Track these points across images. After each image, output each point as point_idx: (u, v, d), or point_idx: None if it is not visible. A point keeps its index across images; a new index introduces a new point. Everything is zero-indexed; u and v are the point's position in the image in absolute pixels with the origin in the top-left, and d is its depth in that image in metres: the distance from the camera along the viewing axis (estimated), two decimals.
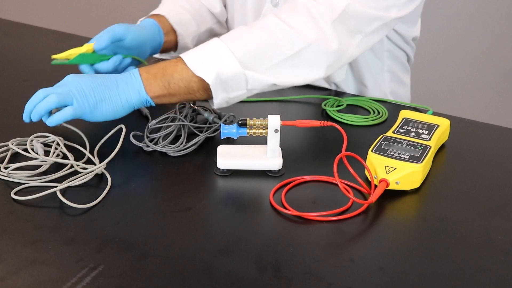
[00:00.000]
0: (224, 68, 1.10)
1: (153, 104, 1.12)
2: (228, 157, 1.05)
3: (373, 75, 1.41)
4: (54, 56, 1.18)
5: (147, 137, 1.11)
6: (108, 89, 1.09)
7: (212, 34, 1.50)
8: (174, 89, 1.11)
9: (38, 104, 1.07)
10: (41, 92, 1.08)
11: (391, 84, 1.44)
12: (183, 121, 1.14)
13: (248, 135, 1.06)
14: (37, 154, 1.04)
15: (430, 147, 1.06)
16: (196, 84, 1.11)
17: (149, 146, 1.09)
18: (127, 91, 1.10)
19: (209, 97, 1.13)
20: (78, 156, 1.07)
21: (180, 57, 1.12)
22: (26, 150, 1.05)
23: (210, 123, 1.16)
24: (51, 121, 1.08)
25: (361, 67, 1.39)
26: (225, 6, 1.49)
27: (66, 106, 1.07)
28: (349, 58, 1.18)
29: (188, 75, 1.11)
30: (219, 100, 1.12)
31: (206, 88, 1.11)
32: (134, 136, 1.11)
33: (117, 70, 1.24)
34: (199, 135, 1.13)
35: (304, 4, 1.14)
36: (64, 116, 1.07)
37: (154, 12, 1.38)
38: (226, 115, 1.17)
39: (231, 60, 1.10)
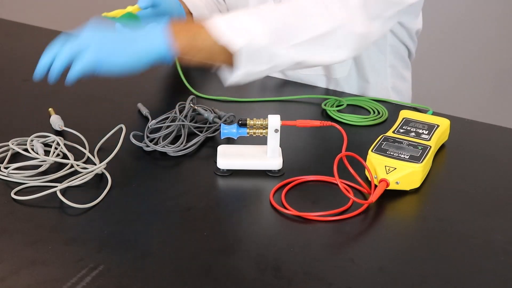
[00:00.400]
0: (251, 39, 1.05)
1: (172, 59, 1.05)
2: (228, 157, 1.05)
3: (376, 71, 1.41)
4: (104, 14, 1.18)
5: (147, 137, 1.11)
6: (127, 34, 1.06)
7: None
8: (200, 41, 1.05)
9: (56, 57, 1.02)
10: (56, 45, 1.03)
11: (393, 79, 1.45)
12: (183, 121, 1.14)
13: (248, 135, 1.06)
14: (37, 154, 1.04)
15: (430, 147, 1.06)
16: (219, 48, 1.05)
17: (149, 146, 1.09)
18: (149, 36, 1.04)
19: (229, 64, 1.07)
20: (78, 156, 1.07)
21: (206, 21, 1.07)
22: (26, 150, 1.05)
23: (210, 123, 1.16)
24: (70, 76, 1.02)
25: (364, 62, 1.39)
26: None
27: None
28: (369, 43, 1.18)
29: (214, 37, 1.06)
30: (241, 72, 1.07)
31: (229, 56, 1.06)
32: (134, 136, 1.11)
33: None
34: (199, 135, 1.13)
35: None
36: (82, 64, 1.00)
37: None
38: (226, 115, 1.17)
39: (260, 32, 1.06)
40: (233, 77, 1.08)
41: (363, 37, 1.13)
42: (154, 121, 1.14)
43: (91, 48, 1.01)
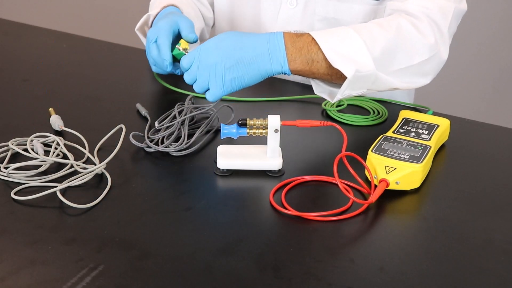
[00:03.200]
0: (362, 67, 1.09)
1: (289, 74, 1.13)
2: (228, 157, 1.05)
3: None
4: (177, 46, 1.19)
5: (148, 137, 1.11)
6: (247, 65, 1.09)
7: (202, 34, 1.48)
8: (315, 68, 1.11)
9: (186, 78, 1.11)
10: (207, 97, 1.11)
11: None
12: (183, 121, 1.14)
13: (248, 135, 1.06)
14: (37, 154, 1.04)
15: (430, 147, 1.06)
16: (329, 72, 1.12)
17: (151, 147, 1.09)
18: (268, 64, 1.09)
19: (331, 80, 1.13)
20: (78, 156, 1.07)
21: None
22: (26, 150, 1.05)
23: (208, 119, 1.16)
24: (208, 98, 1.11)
25: None
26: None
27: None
28: None
29: (325, 74, 1.12)
30: (340, 96, 1.11)
31: (334, 77, 1.12)
32: (134, 137, 1.11)
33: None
34: (198, 131, 1.12)
35: (421, 11, 1.16)
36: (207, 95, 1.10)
37: (166, 3, 1.33)
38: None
39: (368, 59, 1.10)
40: (335, 98, 1.13)
41: (444, 61, 1.18)
42: (156, 122, 1.13)
43: (217, 76, 1.08)
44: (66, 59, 1.49)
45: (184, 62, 1.11)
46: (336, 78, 1.12)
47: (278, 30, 1.37)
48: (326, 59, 1.10)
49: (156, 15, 1.32)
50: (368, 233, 0.94)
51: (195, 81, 1.11)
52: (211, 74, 1.08)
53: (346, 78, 1.08)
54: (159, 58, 1.17)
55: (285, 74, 1.12)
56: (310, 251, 0.89)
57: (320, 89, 1.16)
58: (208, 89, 1.10)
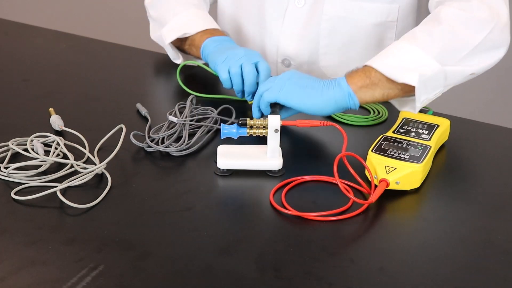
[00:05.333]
0: (425, 70, 1.09)
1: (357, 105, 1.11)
2: (228, 157, 1.05)
3: None
4: None
5: (149, 137, 1.11)
6: (319, 98, 1.10)
7: None
8: (386, 96, 1.12)
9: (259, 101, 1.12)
10: (265, 99, 1.10)
11: None
12: (183, 121, 1.14)
13: (248, 135, 1.06)
14: (37, 154, 1.04)
15: (430, 147, 1.06)
16: (394, 90, 1.11)
17: (151, 147, 1.09)
18: (338, 100, 1.10)
19: (405, 94, 1.13)
20: (78, 156, 1.07)
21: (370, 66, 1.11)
22: (26, 150, 1.05)
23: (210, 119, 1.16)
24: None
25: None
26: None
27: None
28: None
29: (389, 82, 1.10)
30: (420, 104, 1.12)
31: (404, 90, 1.11)
32: (134, 136, 1.11)
33: None
34: (199, 131, 1.12)
35: None
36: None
37: (207, 27, 1.31)
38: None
39: (429, 60, 1.10)
40: (417, 108, 1.12)
41: (510, 21, 1.17)
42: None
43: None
44: (66, 59, 1.49)
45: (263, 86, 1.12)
46: (410, 91, 1.11)
47: (284, 30, 1.36)
48: (389, 81, 1.10)
49: (197, 34, 1.30)
50: (368, 233, 0.94)
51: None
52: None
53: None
54: (248, 84, 1.18)
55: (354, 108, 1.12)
56: (310, 251, 0.89)
57: (402, 106, 1.16)
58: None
